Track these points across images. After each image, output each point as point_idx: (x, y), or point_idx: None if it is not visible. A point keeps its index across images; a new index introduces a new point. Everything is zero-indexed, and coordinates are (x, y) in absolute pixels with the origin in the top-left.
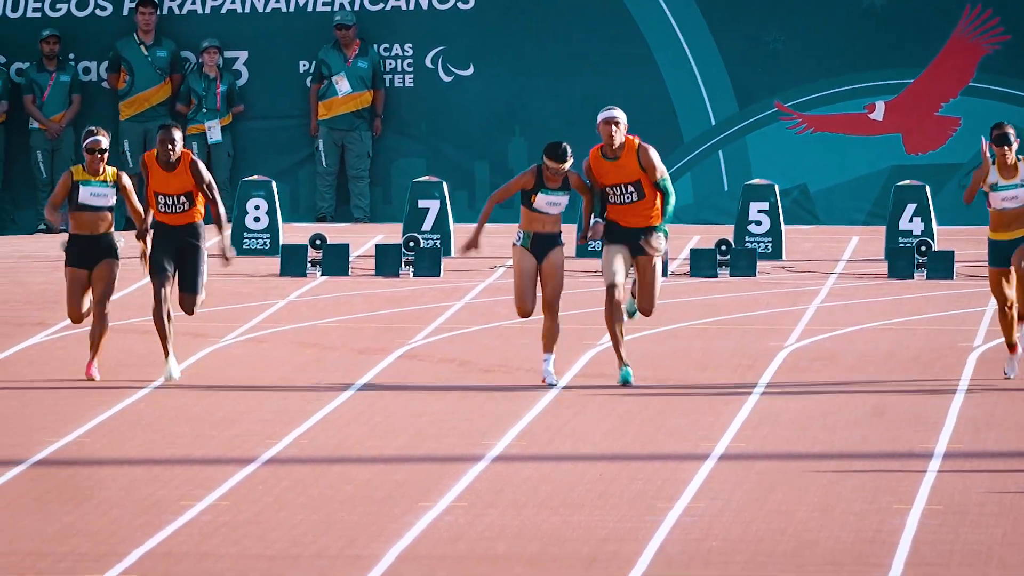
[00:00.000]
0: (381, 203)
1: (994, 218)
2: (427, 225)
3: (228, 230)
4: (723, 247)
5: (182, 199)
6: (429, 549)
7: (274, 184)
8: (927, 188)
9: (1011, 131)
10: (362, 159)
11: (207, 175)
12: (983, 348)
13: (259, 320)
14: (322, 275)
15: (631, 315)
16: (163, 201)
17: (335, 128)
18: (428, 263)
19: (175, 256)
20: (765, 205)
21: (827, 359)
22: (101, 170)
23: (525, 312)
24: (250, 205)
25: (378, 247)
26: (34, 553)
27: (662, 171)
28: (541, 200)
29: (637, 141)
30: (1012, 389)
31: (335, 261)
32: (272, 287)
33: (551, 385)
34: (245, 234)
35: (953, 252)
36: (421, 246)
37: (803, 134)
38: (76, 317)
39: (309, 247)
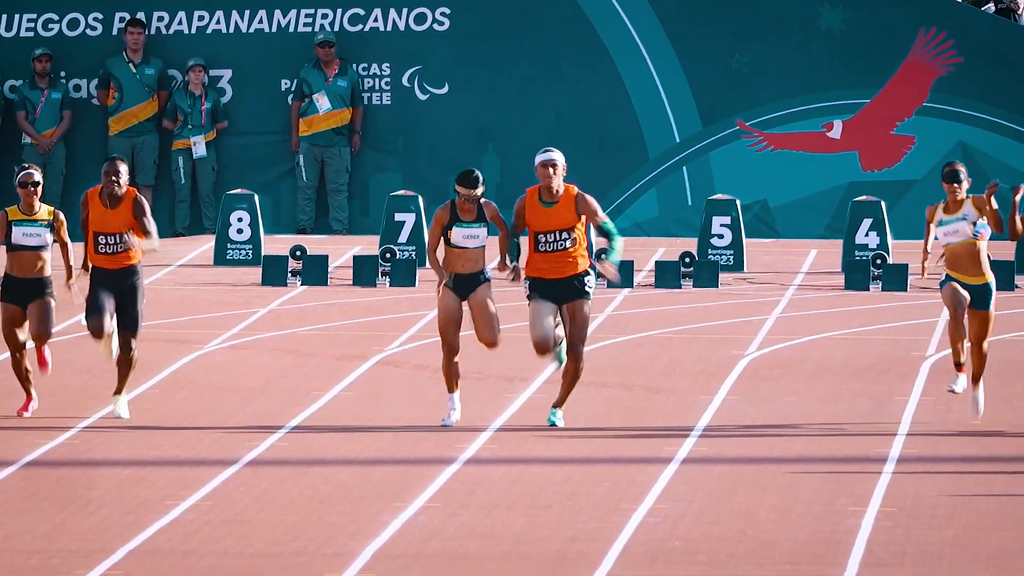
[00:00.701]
0: (359, 216)
1: (950, 259)
2: (403, 237)
3: (149, 244)
4: (687, 259)
5: (124, 239)
6: (404, 548)
7: (256, 197)
8: (882, 203)
9: (961, 169)
10: (341, 174)
11: (148, 211)
12: (935, 357)
13: (241, 327)
14: (302, 284)
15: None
16: (103, 241)
17: (315, 144)
18: (404, 273)
19: (114, 296)
20: (727, 219)
21: (786, 367)
22: (36, 206)
23: (451, 349)
24: (233, 217)
25: (356, 258)
26: (25, 551)
27: (603, 215)
28: (457, 234)
29: (575, 190)
30: (963, 398)
31: (315, 271)
32: (254, 296)
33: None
34: (229, 245)
35: (907, 265)
36: (397, 257)
37: (764, 151)
38: (15, 347)
39: (290, 258)
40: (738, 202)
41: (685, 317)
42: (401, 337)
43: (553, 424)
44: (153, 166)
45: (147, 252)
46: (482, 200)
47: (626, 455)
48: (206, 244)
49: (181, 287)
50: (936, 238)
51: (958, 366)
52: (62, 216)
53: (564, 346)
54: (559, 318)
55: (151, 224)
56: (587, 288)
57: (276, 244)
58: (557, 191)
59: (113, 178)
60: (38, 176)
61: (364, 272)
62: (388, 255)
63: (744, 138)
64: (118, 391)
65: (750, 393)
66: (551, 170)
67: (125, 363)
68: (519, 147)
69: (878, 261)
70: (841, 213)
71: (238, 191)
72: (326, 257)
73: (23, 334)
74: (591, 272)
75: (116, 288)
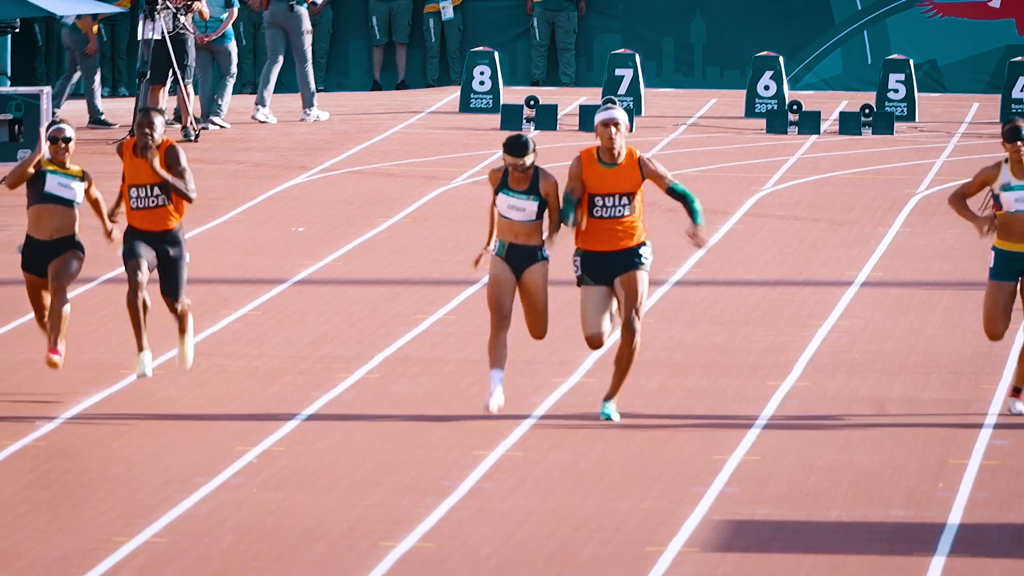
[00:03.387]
0: (584, 71)
1: (1004, 225)
2: (622, 89)
3: (183, 186)
4: (866, 110)
5: (156, 191)
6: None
7: (496, 54)
8: None
9: None
10: (569, 34)
11: (184, 162)
12: None
13: (482, 166)
14: (535, 129)
15: (608, 416)
16: (135, 195)
17: (548, 8)
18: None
19: (153, 254)
20: (902, 76)
21: None
22: (67, 163)
23: (500, 324)
24: (476, 71)
25: (582, 107)
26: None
27: (670, 176)
28: (501, 202)
29: (638, 152)
30: None
31: (546, 118)
32: (493, 139)
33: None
34: (472, 95)
35: None
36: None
37: (934, 18)
38: (41, 311)
39: (524, 106)
40: (911, 61)
41: (864, 160)
42: None
43: (608, 418)
44: (407, 27)
45: (180, 192)
46: (541, 171)
47: (813, 279)
48: (452, 94)
49: (431, 131)
50: (999, 206)
51: (1016, 391)
52: (91, 175)
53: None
54: (613, 304)
55: (187, 174)
56: (643, 260)
57: (512, 94)
58: (619, 152)
59: (147, 130)
60: (69, 131)
61: (590, 119)
62: (609, 104)
63: (917, 6)
64: (181, 333)
65: (920, 226)
66: (613, 129)
67: (178, 316)
68: (724, 11)
69: None
70: (1000, 71)
71: (480, 48)
72: (556, 106)
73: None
74: (648, 244)
75: (156, 250)
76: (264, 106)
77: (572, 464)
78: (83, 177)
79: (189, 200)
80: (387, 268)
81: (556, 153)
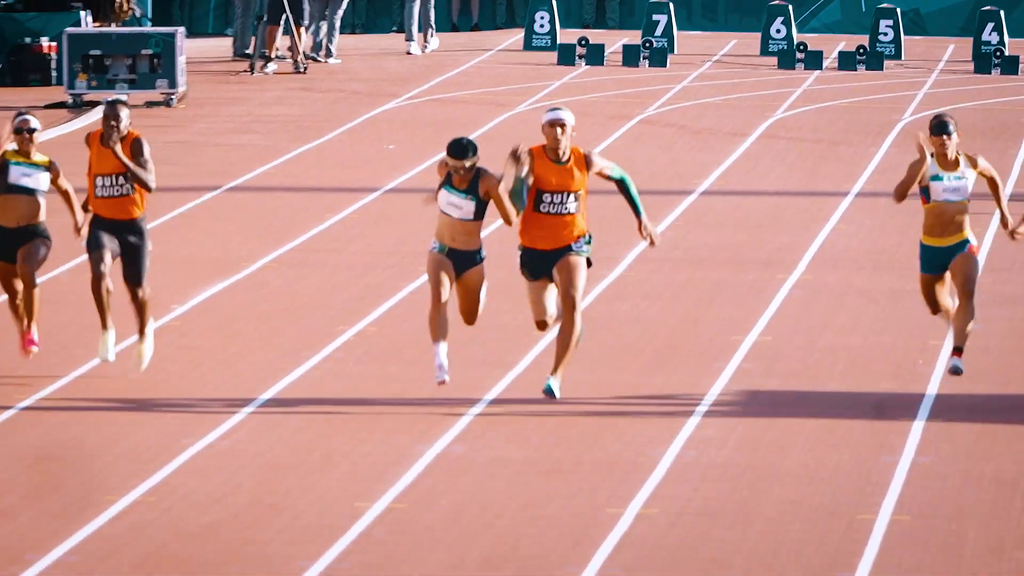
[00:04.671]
0: (627, 16)
1: (930, 217)
2: (658, 31)
3: (144, 174)
4: (860, 50)
5: (121, 180)
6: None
7: (554, 1)
8: (1001, 11)
9: (951, 121)
10: None
11: (148, 154)
12: None
13: (541, 95)
14: (586, 65)
15: (551, 392)
16: (101, 183)
17: None
18: (659, 58)
19: (116, 244)
20: (890, 22)
21: None
22: (33, 154)
23: (438, 302)
24: (537, 16)
25: (625, 47)
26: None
27: (611, 164)
28: (443, 197)
29: (582, 150)
30: None
31: (595, 55)
32: (552, 72)
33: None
34: (533, 36)
35: (1019, 56)
36: (654, 47)
37: None
38: (12, 292)
39: (577, 45)
40: (898, 9)
41: (859, 92)
42: (658, 102)
43: (550, 391)
44: None
45: (140, 180)
46: (482, 171)
47: (816, 190)
48: (517, 35)
49: (499, 66)
50: (927, 199)
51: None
52: (58, 165)
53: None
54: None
55: (149, 165)
56: (581, 248)
57: (567, 35)
58: (564, 152)
59: (112, 123)
60: (35, 123)
61: (631, 56)
62: (647, 44)
63: None
64: (141, 333)
65: (905, 146)
66: (559, 130)
67: (139, 305)
68: None
69: (998, 53)
70: (972, 18)
71: None
72: (603, 45)
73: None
74: (589, 237)
75: (119, 239)
76: (412, 40)
77: (613, 342)
78: (48, 167)
79: (148, 189)
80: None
81: (603, 85)
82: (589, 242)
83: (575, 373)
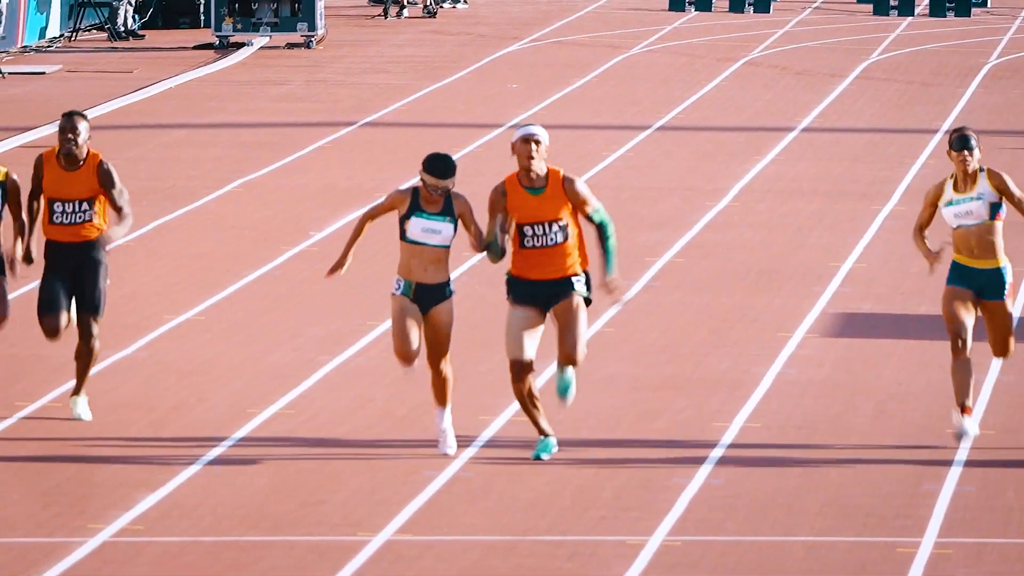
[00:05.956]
0: None
1: (957, 240)
2: None
3: (122, 230)
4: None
5: (83, 206)
6: None
7: None
8: None
9: (972, 135)
10: None
11: (119, 182)
12: None
13: (655, 38)
14: (695, 11)
15: (563, 394)
16: (59, 210)
17: None
18: (763, 6)
19: (71, 278)
20: None
21: (1018, 69)
22: None
23: (407, 355)
24: None
25: None
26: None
27: (595, 201)
28: (415, 226)
29: (562, 172)
30: None
31: (704, 3)
32: (664, 18)
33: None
34: None
35: None
36: None
37: None
38: None
39: None
40: None
41: (948, 37)
42: (762, 45)
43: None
44: None
45: (113, 239)
46: (454, 193)
47: (909, 127)
48: None
49: (616, 11)
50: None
51: (963, 407)
52: (15, 177)
53: (569, 372)
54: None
55: (123, 196)
56: (578, 286)
57: None
58: (538, 175)
59: (70, 135)
60: None
61: (736, 3)
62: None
63: None
64: (76, 391)
65: (991, 87)
66: (533, 147)
67: (85, 354)
68: None
69: None
70: None
71: None
72: None
73: None
74: (586, 277)
75: (73, 264)
76: None
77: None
78: (3, 184)
79: (125, 219)
80: (580, 115)
81: (710, 29)
82: (588, 282)
83: (684, 296)
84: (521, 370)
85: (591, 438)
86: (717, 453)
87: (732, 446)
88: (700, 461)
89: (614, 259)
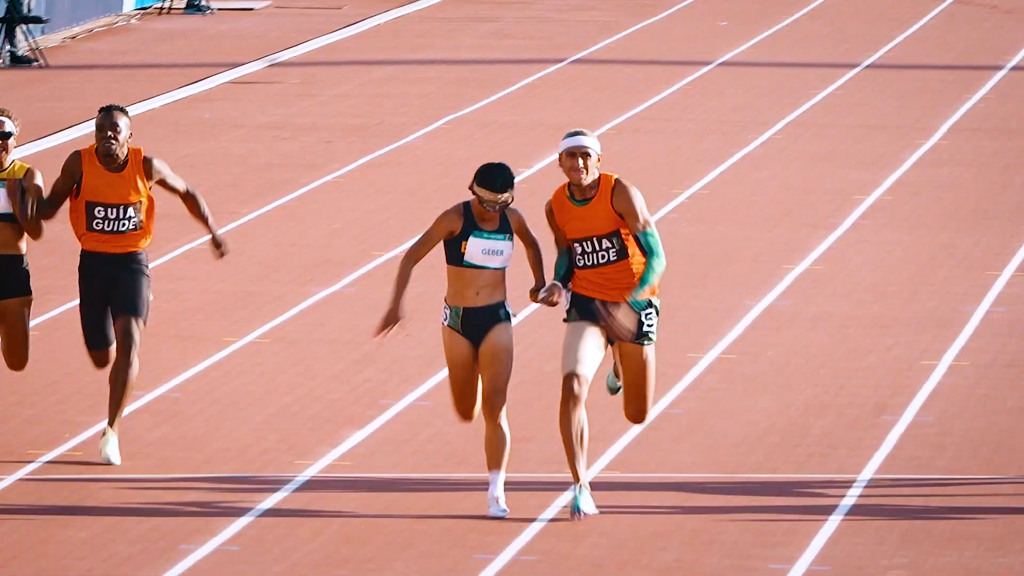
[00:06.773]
0: None
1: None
2: None
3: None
4: None
5: (129, 212)
6: None
7: None
8: None
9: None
10: None
11: (180, 179)
12: None
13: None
14: None
15: (614, 391)
16: (100, 215)
17: None
18: None
19: (108, 287)
20: None
21: None
22: (6, 162)
23: (466, 414)
24: None
25: None
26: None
27: (645, 219)
28: (474, 247)
29: (615, 178)
30: None
31: None
32: None
33: (498, 516)
34: None
35: None
36: None
37: None
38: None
39: None
40: None
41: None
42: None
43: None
44: None
45: (221, 247)
46: (509, 208)
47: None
48: None
49: None
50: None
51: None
52: (39, 174)
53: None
54: (607, 349)
55: (180, 180)
56: (646, 327)
57: None
58: (587, 188)
59: (109, 134)
60: (10, 126)
61: None
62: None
63: None
64: (111, 422)
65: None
66: (580, 161)
67: (121, 380)
68: None
69: None
70: None
71: None
72: None
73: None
74: (655, 307)
75: (111, 275)
76: None
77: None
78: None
79: (199, 199)
80: (790, 53)
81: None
82: (656, 310)
83: (892, 234)
84: (575, 386)
85: (798, 376)
86: (926, 391)
87: (941, 384)
88: (909, 399)
89: (641, 288)
